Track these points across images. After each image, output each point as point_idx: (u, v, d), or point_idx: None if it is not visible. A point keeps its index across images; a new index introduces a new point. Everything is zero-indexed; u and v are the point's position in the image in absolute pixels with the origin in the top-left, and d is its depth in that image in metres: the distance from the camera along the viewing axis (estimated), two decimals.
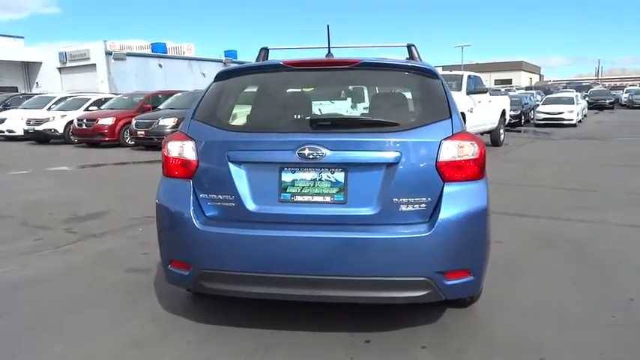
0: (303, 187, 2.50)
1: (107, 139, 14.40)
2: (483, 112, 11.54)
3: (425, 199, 2.44)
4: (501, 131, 12.98)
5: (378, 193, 2.44)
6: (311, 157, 2.43)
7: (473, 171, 2.50)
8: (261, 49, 3.46)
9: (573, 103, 21.35)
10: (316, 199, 2.49)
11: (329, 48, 3.24)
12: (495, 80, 57.32)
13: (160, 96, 16.37)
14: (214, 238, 2.49)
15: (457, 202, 2.44)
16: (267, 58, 3.45)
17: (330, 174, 2.48)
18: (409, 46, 3.53)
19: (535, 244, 4.40)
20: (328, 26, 3.18)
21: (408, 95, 3.00)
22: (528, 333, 2.75)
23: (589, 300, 3.18)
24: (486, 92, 12.25)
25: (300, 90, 3.32)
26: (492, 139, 12.64)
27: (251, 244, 2.45)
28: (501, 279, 3.45)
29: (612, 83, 64.72)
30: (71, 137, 15.44)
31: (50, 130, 15.77)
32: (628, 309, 3.03)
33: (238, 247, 2.47)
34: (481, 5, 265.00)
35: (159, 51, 34.63)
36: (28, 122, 16.11)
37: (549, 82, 69.84)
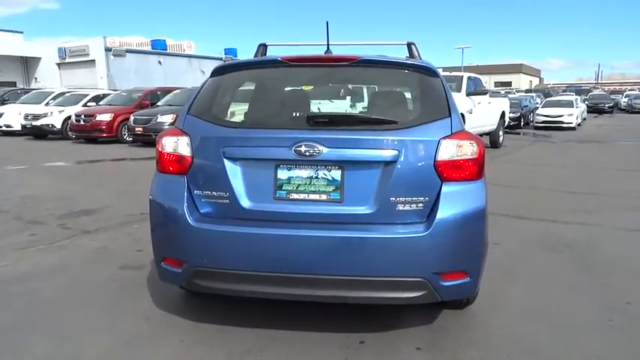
0: (299, 184, 2.46)
1: (105, 135, 14.34)
2: (483, 113, 11.52)
3: (422, 198, 2.41)
4: (500, 133, 12.97)
5: (375, 191, 2.41)
6: (307, 154, 2.40)
7: (471, 171, 2.47)
8: (260, 45, 3.43)
9: (573, 107, 21.35)
10: (312, 197, 2.46)
11: (328, 45, 3.20)
12: (495, 82, 57.36)
13: (159, 92, 16.31)
14: (208, 236, 2.46)
15: (455, 202, 2.41)
16: (265, 54, 3.42)
17: (326, 172, 2.45)
18: (409, 45, 3.50)
19: (533, 246, 4.38)
20: (327, 23, 3.15)
21: (407, 93, 2.97)
22: (524, 335, 2.72)
23: (586, 303, 3.15)
24: (486, 94, 12.23)
25: (298, 87, 3.29)
26: (491, 140, 12.63)
27: (245, 241, 2.42)
28: (498, 281, 3.43)
29: (612, 87, 64.75)
30: (69, 133, 15.38)
31: (48, 125, 15.70)
32: (625, 312, 3.01)
33: (232, 244, 2.44)
34: (482, 7, 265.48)
35: (159, 48, 34.59)
36: (26, 117, 16.03)
37: (549, 85, 69.84)
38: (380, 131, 2.46)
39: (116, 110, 14.78)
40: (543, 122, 20.68)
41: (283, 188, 2.47)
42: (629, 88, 56.85)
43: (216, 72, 2.88)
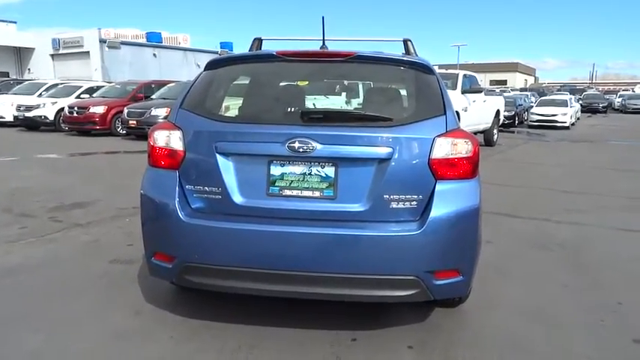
0: (292, 181, 2.44)
1: (98, 127, 14.23)
2: (478, 111, 11.53)
3: (416, 196, 2.39)
4: (495, 131, 12.99)
5: (368, 189, 2.40)
6: (301, 150, 2.37)
7: (466, 169, 2.45)
8: (255, 39, 3.39)
9: (567, 106, 21.48)
10: (305, 193, 2.43)
11: (323, 40, 3.17)
12: (491, 81, 57.47)
13: (153, 85, 16.18)
14: (199, 231, 2.43)
15: (449, 200, 2.40)
16: (260, 49, 3.38)
17: (320, 168, 2.42)
18: (405, 41, 3.46)
19: (525, 245, 4.39)
20: (323, 18, 3.12)
21: (403, 90, 2.94)
22: (516, 334, 2.73)
23: (578, 303, 3.16)
24: (481, 92, 12.25)
25: (293, 82, 3.25)
26: (486, 139, 12.64)
27: (237, 238, 2.40)
28: (491, 279, 3.43)
29: (606, 87, 65.05)
30: (62, 125, 15.25)
31: (40, 117, 15.54)
32: (616, 313, 3.02)
33: (223, 240, 2.41)
34: (479, 5, 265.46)
35: (154, 40, 34.29)
36: (18, 108, 15.84)
37: (544, 85, 70.14)
38: (374, 128, 2.44)
39: (110, 103, 14.66)
40: (537, 121, 20.80)
41: (276, 184, 2.45)
42: (623, 88, 57.23)
43: (210, 65, 2.85)
